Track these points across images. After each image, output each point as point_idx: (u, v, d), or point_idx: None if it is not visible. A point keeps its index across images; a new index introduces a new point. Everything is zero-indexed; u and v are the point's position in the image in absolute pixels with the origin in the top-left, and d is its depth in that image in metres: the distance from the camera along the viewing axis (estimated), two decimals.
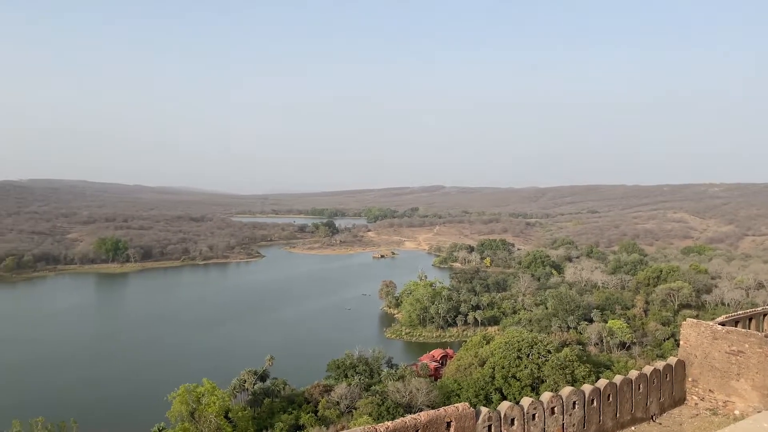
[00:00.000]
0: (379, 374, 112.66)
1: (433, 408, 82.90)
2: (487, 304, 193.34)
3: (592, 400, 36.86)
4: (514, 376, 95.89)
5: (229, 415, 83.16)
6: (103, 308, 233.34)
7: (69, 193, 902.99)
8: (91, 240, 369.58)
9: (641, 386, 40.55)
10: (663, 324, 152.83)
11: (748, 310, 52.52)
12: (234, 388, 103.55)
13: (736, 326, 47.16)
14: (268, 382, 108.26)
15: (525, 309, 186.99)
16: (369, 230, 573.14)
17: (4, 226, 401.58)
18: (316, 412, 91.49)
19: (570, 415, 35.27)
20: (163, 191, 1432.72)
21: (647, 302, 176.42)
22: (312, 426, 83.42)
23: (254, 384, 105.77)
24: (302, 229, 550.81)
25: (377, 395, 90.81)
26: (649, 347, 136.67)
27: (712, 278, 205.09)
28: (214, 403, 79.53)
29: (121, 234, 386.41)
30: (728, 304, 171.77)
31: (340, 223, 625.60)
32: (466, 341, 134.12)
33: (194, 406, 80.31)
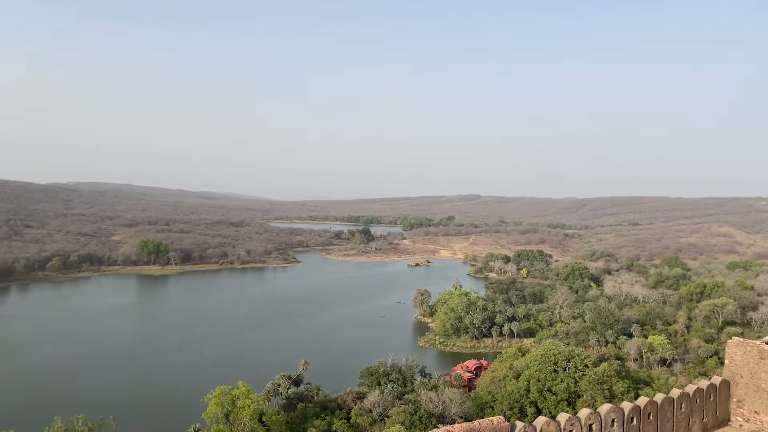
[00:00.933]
0: (412, 383, 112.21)
1: (466, 419, 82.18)
2: (523, 316, 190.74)
3: (632, 419, 35.91)
4: (549, 390, 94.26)
5: (263, 418, 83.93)
6: (144, 309, 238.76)
7: (114, 196, 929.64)
8: (133, 242, 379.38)
9: (683, 406, 39.31)
10: (706, 341, 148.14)
11: None
12: (268, 392, 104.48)
13: None
14: (301, 387, 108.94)
15: (562, 321, 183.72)
16: (404, 238, 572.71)
17: (52, 227, 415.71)
18: (348, 419, 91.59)
19: None
20: (203, 196, 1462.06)
21: (690, 318, 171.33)
22: None
23: (288, 388, 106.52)
24: (338, 235, 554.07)
25: (410, 404, 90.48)
26: (691, 365, 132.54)
27: (759, 295, 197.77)
28: (249, 406, 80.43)
29: (162, 237, 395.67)
30: None
31: (375, 230, 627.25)
32: (500, 353, 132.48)
33: (229, 408, 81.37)
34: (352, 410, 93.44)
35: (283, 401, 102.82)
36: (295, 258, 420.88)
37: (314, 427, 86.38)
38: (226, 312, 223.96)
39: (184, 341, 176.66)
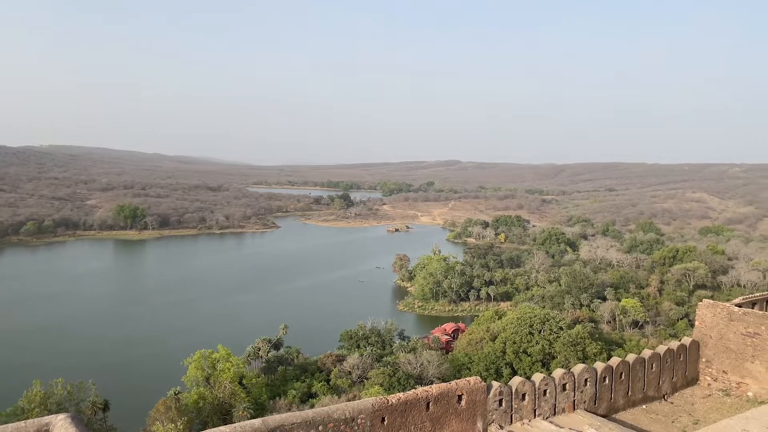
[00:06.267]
0: (391, 346, 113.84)
1: (443, 380, 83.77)
2: (500, 280, 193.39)
3: (604, 378, 36.87)
4: (525, 352, 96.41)
5: (244, 381, 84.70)
6: (122, 273, 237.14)
7: (88, 159, 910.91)
8: (109, 207, 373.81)
9: (654, 365, 40.44)
10: (677, 304, 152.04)
11: (765, 292, 51.98)
12: (248, 356, 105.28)
13: (753, 308, 46.72)
14: (281, 351, 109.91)
15: (538, 285, 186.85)
16: (384, 204, 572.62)
17: (24, 191, 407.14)
18: (328, 380, 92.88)
19: (581, 391, 35.35)
20: (180, 160, 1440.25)
21: (662, 282, 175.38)
22: (324, 394, 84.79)
23: (268, 352, 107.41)
24: (317, 201, 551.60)
25: (389, 366, 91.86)
26: (662, 327, 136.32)
27: (729, 259, 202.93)
28: (229, 369, 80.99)
29: (139, 201, 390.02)
30: (744, 286, 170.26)
31: (355, 195, 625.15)
32: (478, 316, 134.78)
33: (209, 371, 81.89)
34: (332, 372, 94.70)
35: (264, 364, 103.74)
36: (274, 223, 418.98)
37: (294, 389, 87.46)
38: (205, 277, 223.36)
39: (163, 305, 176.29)
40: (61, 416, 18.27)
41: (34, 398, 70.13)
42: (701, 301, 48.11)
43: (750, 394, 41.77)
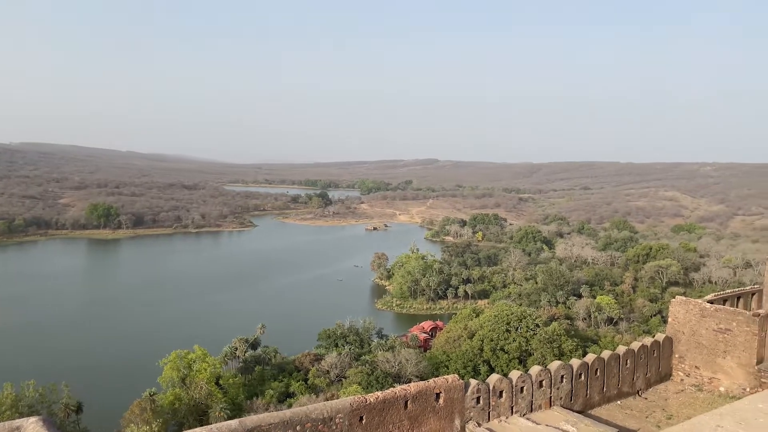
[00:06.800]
0: (369, 344, 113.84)
1: (422, 378, 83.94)
2: (478, 278, 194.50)
3: (580, 374, 37.27)
4: (502, 349, 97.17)
5: (220, 381, 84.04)
6: (95, 273, 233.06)
7: (60, 157, 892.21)
8: (82, 205, 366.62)
9: (629, 361, 41.00)
10: (650, 301, 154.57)
11: (736, 289, 53.01)
12: (225, 356, 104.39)
13: (724, 304, 47.60)
14: (259, 350, 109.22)
15: (515, 283, 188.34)
16: (362, 202, 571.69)
17: None
18: (306, 380, 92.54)
19: (558, 388, 35.68)
20: (155, 158, 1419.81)
21: (636, 279, 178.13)
22: (302, 394, 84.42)
23: (245, 352, 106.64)
24: (295, 199, 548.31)
25: (367, 365, 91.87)
26: (636, 323, 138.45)
27: (701, 257, 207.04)
28: (206, 369, 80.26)
29: (112, 200, 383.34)
30: (716, 283, 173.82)
31: (333, 194, 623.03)
32: (455, 314, 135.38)
33: (185, 372, 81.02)
34: (310, 372, 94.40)
35: (241, 364, 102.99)
36: (251, 222, 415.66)
37: (272, 389, 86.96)
38: (181, 276, 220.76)
39: (137, 305, 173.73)
40: (33, 419, 17.86)
41: (4, 401, 68.62)
42: (674, 297, 48.83)
43: (722, 389, 42.58)
